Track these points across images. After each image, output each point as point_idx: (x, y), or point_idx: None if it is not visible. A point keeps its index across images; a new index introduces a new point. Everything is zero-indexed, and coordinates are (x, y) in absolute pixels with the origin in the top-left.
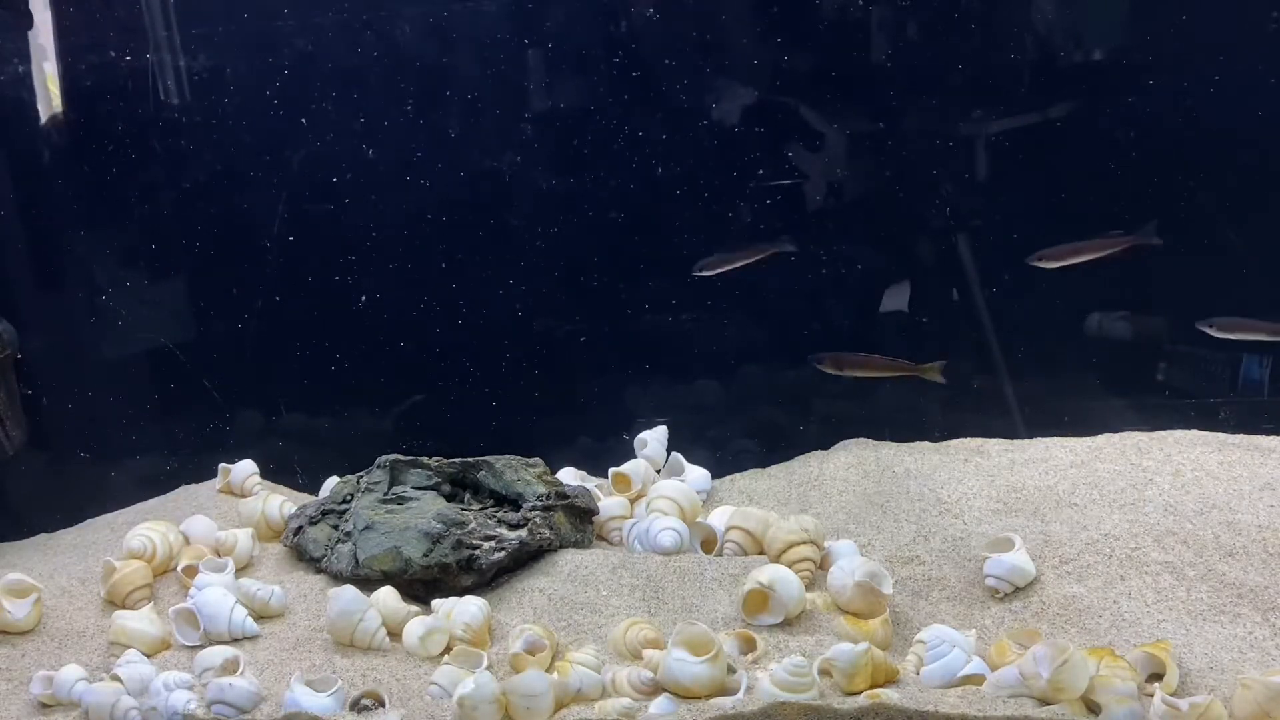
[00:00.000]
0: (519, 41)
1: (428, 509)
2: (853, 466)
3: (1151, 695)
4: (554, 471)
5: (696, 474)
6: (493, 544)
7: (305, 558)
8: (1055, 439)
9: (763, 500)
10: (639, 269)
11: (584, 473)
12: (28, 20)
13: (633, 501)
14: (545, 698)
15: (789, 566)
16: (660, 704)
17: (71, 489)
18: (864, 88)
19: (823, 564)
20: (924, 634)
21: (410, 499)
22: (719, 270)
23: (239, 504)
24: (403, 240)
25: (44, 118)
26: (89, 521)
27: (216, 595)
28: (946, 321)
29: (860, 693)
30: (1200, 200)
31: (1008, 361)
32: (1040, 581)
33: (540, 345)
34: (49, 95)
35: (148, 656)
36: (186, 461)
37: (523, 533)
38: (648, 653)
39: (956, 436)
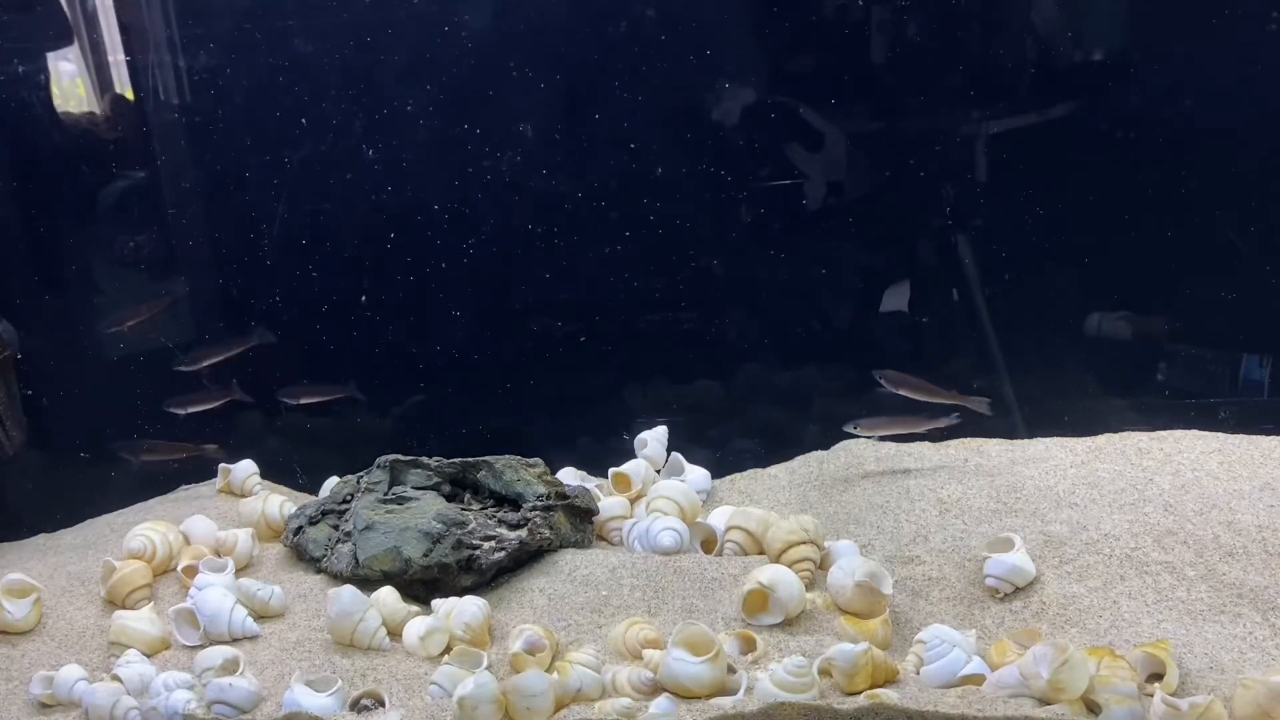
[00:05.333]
0: (509, 40)
1: (428, 509)
2: (853, 466)
3: (1151, 695)
4: (554, 471)
5: (696, 474)
6: (493, 544)
7: (305, 558)
8: (1055, 439)
9: (763, 500)
10: (639, 268)
11: (584, 473)
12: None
13: (633, 501)
14: (545, 698)
15: (789, 566)
16: (660, 704)
17: (71, 489)
18: (863, 88)
19: (823, 564)
20: (924, 634)
21: (410, 499)
22: (202, 363)
23: (239, 504)
24: (403, 240)
25: (50, 116)
26: (89, 521)
27: (216, 595)
28: (946, 321)
29: (860, 693)
30: (1199, 200)
31: (1008, 361)
32: (1040, 581)
33: (540, 345)
34: (59, 93)
35: (148, 656)
36: (186, 462)
37: (523, 533)
38: (648, 653)
39: (956, 436)
